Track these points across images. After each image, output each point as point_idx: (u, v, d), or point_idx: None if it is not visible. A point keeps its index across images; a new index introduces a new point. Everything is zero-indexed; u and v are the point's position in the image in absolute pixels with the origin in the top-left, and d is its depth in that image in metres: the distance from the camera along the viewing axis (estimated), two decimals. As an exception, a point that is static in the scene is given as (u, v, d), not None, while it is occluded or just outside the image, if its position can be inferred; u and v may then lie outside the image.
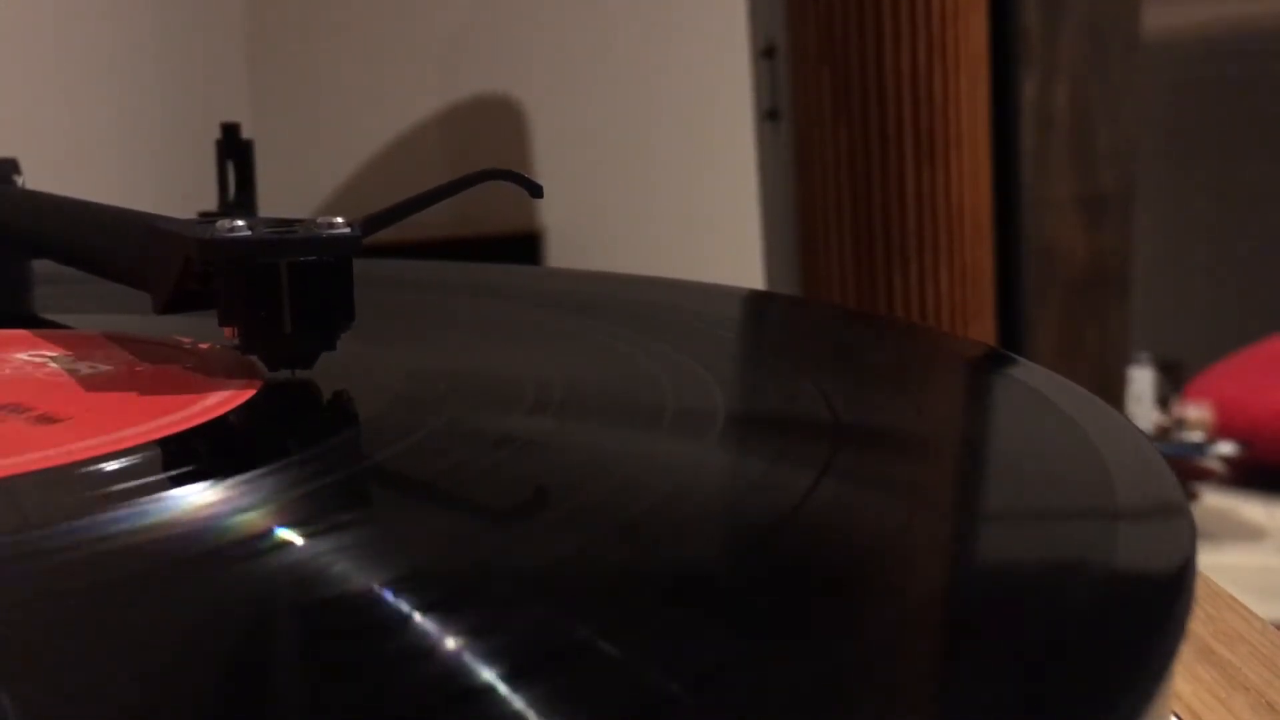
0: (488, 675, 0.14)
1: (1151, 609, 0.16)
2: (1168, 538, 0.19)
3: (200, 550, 0.18)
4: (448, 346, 0.33)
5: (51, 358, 0.30)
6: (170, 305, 0.28)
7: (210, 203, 0.47)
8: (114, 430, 0.23)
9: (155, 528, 0.19)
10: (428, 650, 0.15)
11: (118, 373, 0.28)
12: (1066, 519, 0.20)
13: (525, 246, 1.63)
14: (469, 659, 0.14)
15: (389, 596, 0.16)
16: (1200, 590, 0.23)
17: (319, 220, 0.26)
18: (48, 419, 0.24)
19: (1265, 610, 0.26)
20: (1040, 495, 0.21)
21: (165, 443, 0.23)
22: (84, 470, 0.21)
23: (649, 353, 0.31)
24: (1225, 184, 1.70)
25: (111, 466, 0.21)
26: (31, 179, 0.45)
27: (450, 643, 0.15)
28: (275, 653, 0.16)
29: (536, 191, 0.28)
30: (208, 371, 0.28)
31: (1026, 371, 0.29)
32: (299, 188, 1.67)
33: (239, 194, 0.46)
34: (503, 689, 0.14)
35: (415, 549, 0.19)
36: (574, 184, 1.67)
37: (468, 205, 1.54)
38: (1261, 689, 0.22)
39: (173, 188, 1.29)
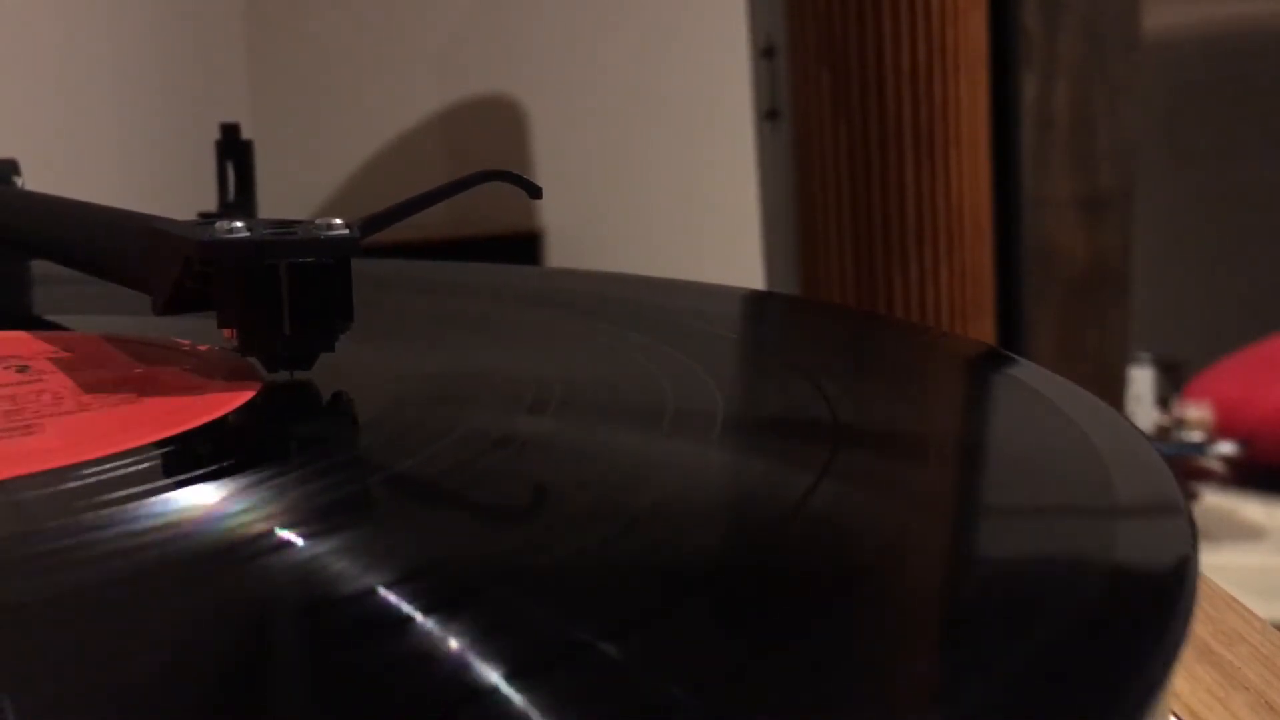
0: (488, 675, 0.14)
1: (1152, 609, 0.16)
2: (1168, 538, 0.19)
3: (200, 551, 0.18)
4: (448, 346, 0.33)
5: (51, 359, 0.30)
6: (169, 306, 0.28)
7: (210, 203, 0.47)
8: (112, 432, 0.23)
9: (155, 529, 0.19)
10: (428, 651, 0.15)
11: (117, 374, 0.28)
12: (1066, 519, 0.20)
13: (525, 247, 1.63)
14: (469, 659, 0.14)
15: (390, 597, 0.16)
16: (1200, 590, 0.23)
17: (318, 221, 0.26)
18: (47, 420, 0.24)
19: (1265, 610, 0.26)
20: (1040, 495, 0.21)
21: (165, 444, 0.23)
22: (83, 472, 0.21)
23: (649, 353, 0.31)
24: (1225, 184, 1.70)
25: (111, 468, 0.21)
26: (31, 179, 0.45)
27: (451, 643, 0.15)
28: (276, 653, 0.16)
29: (535, 192, 0.28)
30: (207, 373, 0.28)
31: (1026, 371, 0.29)
32: (299, 188, 1.67)
33: (238, 195, 0.46)
34: (504, 689, 0.14)
35: (415, 549, 0.19)
36: (574, 184, 1.67)
37: (467, 206, 1.54)
38: (1261, 689, 0.22)
39: (172, 188, 1.29)
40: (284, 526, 0.19)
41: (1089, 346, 1.01)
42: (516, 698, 0.14)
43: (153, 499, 0.20)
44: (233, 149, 0.47)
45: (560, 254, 1.67)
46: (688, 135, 1.66)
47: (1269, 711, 0.22)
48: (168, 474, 0.22)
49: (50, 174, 0.53)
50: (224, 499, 0.20)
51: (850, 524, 0.20)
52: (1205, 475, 1.26)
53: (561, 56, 1.71)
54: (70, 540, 0.18)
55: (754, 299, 0.44)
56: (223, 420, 0.24)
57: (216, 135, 0.48)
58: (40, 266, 0.41)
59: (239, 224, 0.26)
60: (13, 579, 0.17)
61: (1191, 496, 1.23)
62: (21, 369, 0.28)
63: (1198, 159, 1.69)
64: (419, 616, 0.16)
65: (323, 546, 0.18)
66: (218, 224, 0.26)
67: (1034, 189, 0.97)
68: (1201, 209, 1.70)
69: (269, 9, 1.74)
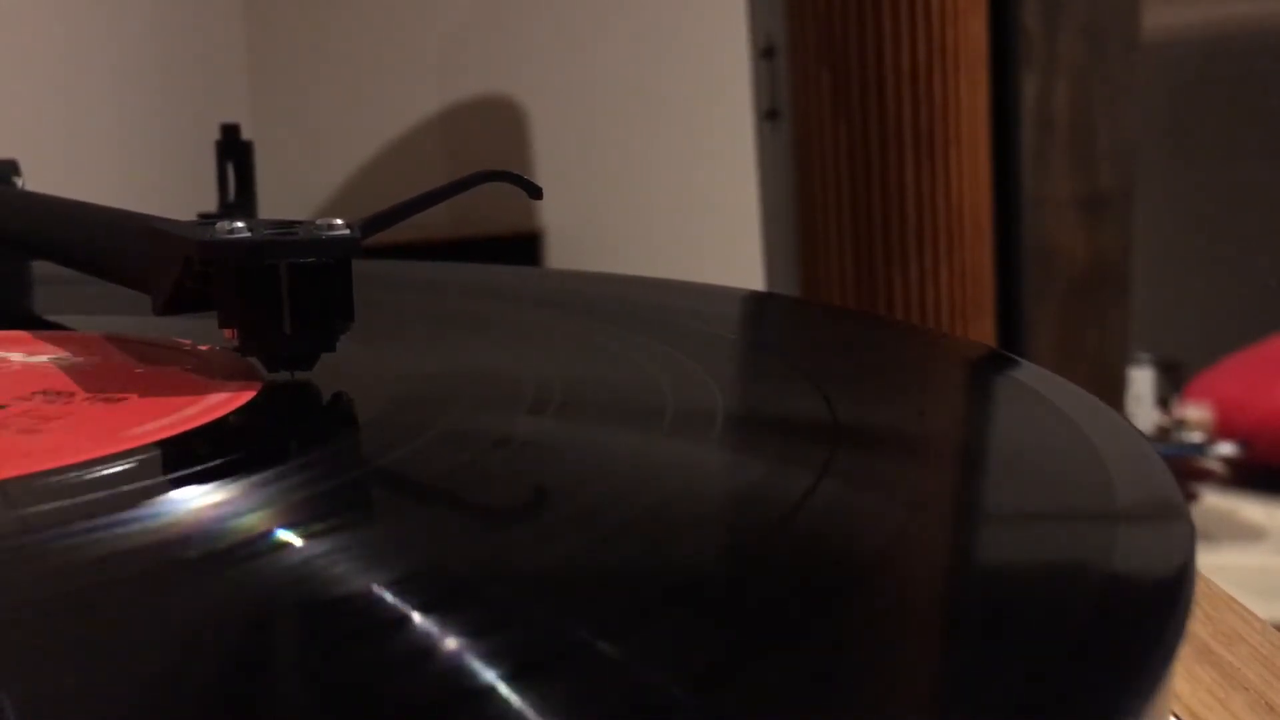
0: (487, 676, 0.14)
1: (1151, 610, 0.16)
2: (1167, 539, 0.19)
3: (200, 551, 0.18)
4: (448, 347, 0.33)
5: (51, 359, 0.30)
6: (170, 306, 0.28)
7: (210, 204, 0.47)
8: (113, 431, 0.23)
9: (155, 529, 0.19)
10: (428, 651, 0.15)
11: (117, 374, 0.28)
12: (1066, 520, 0.20)
13: (525, 247, 1.63)
14: (468, 660, 0.14)
15: (389, 597, 0.16)
16: (1199, 590, 0.23)
17: (319, 222, 0.26)
18: (48, 420, 0.24)
19: (1265, 610, 0.26)
20: (1039, 496, 0.21)
21: (165, 444, 0.23)
22: (84, 472, 0.21)
23: (649, 353, 0.31)
24: (1225, 184, 1.70)
25: (111, 468, 0.21)
26: (31, 179, 0.45)
27: (450, 644, 0.15)
28: (275, 654, 0.16)
29: (535, 193, 0.28)
30: (207, 373, 0.28)
31: (1026, 372, 0.29)
32: (299, 189, 1.67)
33: (238, 195, 0.46)
34: (502, 690, 0.14)
35: (415, 550, 0.19)
36: (574, 184, 1.67)
37: (467, 206, 1.54)
38: (1260, 689, 0.22)
39: (172, 188, 1.29)
40: (284, 527, 0.19)
41: (1089, 346, 1.01)
42: (515, 698, 0.14)
43: (153, 499, 0.20)
44: (233, 149, 0.47)
45: (560, 254, 1.67)
46: (688, 135, 1.66)
47: (1268, 712, 0.22)
48: (168, 474, 0.22)
49: (50, 174, 0.54)
50: (224, 499, 0.20)
51: (850, 525, 0.20)
52: (1205, 476, 1.26)
53: (561, 56, 1.71)
54: (70, 540, 0.18)
55: (753, 299, 0.44)
56: (223, 420, 0.24)
57: (216, 135, 0.48)
58: (40, 266, 0.41)
59: (239, 224, 0.26)
60: (12, 579, 0.17)
61: (1191, 497, 1.23)
62: (50, 396, 0.28)
63: (1198, 159, 1.69)
64: (418, 616, 0.16)
65: (322, 547, 0.18)
66: (218, 224, 0.26)
67: (1034, 189, 0.97)
68: (1201, 209, 1.70)
69: (269, 9, 1.74)
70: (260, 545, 0.18)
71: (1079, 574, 0.17)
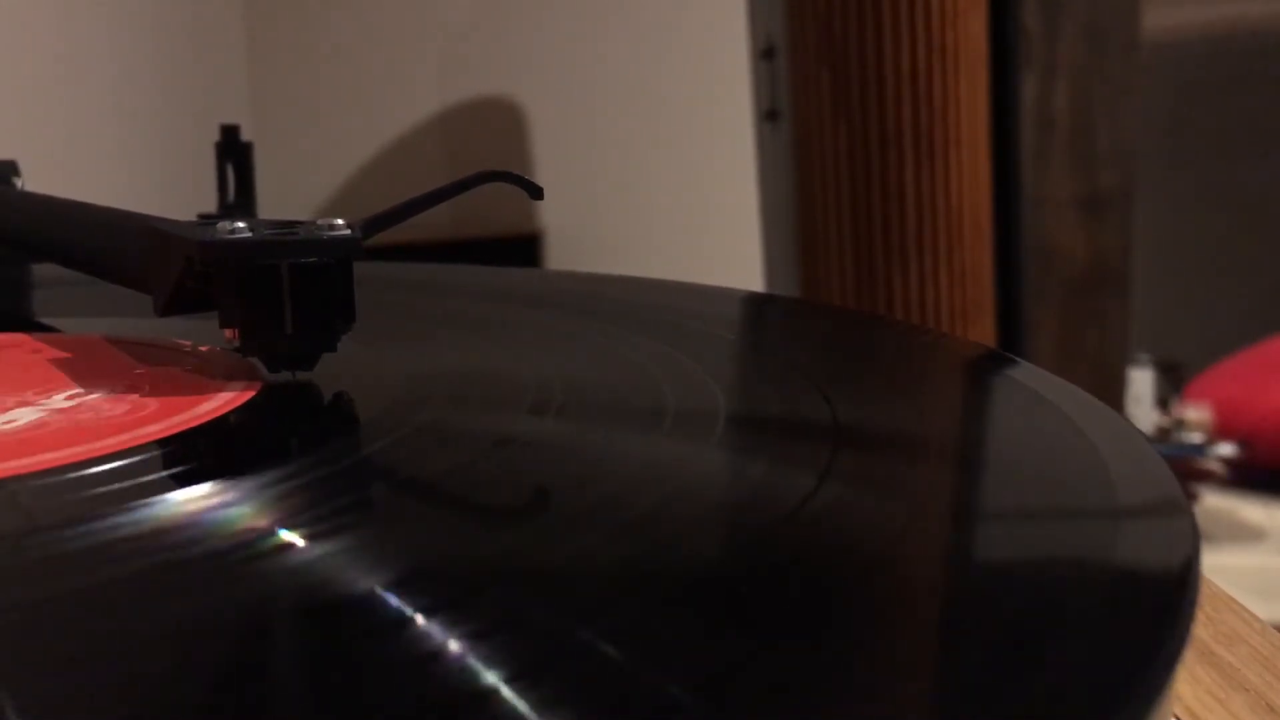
0: (488, 677, 0.14)
1: (1155, 611, 0.16)
2: (1169, 540, 0.19)
3: (200, 551, 0.18)
4: (448, 347, 0.33)
5: (51, 360, 0.30)
6: (170, 307, 0.28)
7: (210, 205, 0.47)
8: (114, 432, 0.23)
9: (156, 529, 0.19)
10: (428, 652, 0.15)
11: (118, 375, 0.28)
12: (1066, 521, 0.20)
13: (525, 248, 1.63)
14: (469, 661, 0.14)
15: (390, 598, 0.16)
16: (1200, 591, 0.23)
17: (319, 222, 0.26)
18: (48, 420, 0.24)
19: (1265, 611, 0.26)
20: (1040, 497, 0.21)
21: (165, 444, 0.23)
22: (85, 471, 0.21)
23: (649, 354, 0.31)
24: (1225, 184, 1.70)
25: (112, 467, 0.21)
26: (31, 180, 0.45)
27: (451, 645, 0.15)
28: (275, 654, 0.16)
29: (536, 193, 0.28)
30: (208, 373, 0.28)
31: (1025, 373, 0.29)
32: (299, 188, 1.67)
33: (238, 196, 0.46)
34: (503, 691, 0.14)
35: (416, 550, 0.19)
36: (574, 185, 1.67)
37: (468, 207, 1.54)
38: (1261, 690, 0.22)
39: (172, 189, 1.29)
40: (285, 527, 0.19)
41: (1089, 347, 1.01)
42: (516, 699, 0.14)
43: (153, 499, 0.20)
44: (233, 150, 0.47)
45: (560, 255, 1.67)
46: (688, 135, 1.66)
47: (1269, 712, 0.22)
48: (168, 474, 0.22)
49: (50, 174, 0.54)
50: (225, 499, 0.20)
51: (851, 526, 0.20)
52: (1205, 476, 1.26)
53: (561, 57, 1.71)
54: (70, 540, 0.18)
55: (753, 300, 0.44)
56: (224, 420, 0.24)
57: (217, 136, 0.48)
58: (41, 268, 0.41)
59: (240, 224, 0.26)
60: (12, 579, 0.17)
61: (1192, 498, 1.23)
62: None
63: (1198, 159, 1.69)
64: (419, 618, 0.16)
65: (323, 547, 0.18)
66: (219, 224, 0.26)
67: (1034, 189, 0.97)
68: (1201, 209, 1.70)
69: (269, 9, 1.74)
70: (260, 545, 0.18)
71: (1080, 575, 0.17)
